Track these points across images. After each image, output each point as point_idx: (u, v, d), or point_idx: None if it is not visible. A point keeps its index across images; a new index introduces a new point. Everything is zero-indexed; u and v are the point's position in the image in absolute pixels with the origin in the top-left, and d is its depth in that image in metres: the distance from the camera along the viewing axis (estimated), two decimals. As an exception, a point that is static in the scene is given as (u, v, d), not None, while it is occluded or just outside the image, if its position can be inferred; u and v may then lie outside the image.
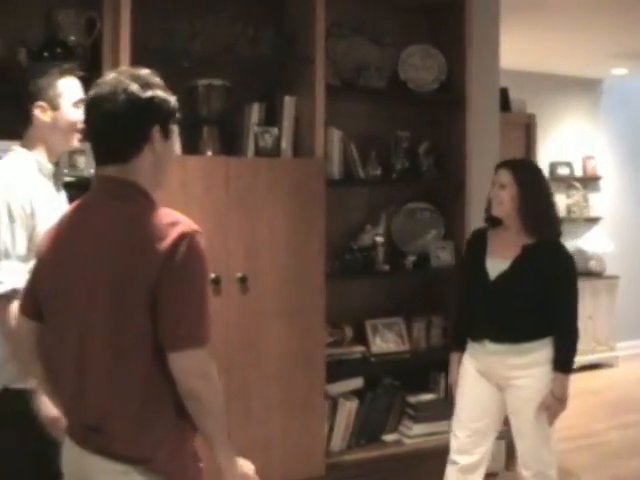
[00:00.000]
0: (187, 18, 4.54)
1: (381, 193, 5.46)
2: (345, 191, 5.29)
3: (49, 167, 3.32)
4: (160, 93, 2.43)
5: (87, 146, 4.03)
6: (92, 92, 2.42)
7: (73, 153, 4.13)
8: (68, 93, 3.30)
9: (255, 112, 4.72)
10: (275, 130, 4.70)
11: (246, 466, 2.54)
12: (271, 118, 4.77)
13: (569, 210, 9.97)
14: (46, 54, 4.09)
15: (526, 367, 4.09)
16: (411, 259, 5.28)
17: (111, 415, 2.32)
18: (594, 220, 10.15)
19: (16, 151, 3.31)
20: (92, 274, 2.34)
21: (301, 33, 4.77)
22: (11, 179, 3.15)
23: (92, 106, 2.41)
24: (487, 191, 5.51)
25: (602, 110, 10.28)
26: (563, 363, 4.09)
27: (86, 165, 4.13)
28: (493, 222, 4.30)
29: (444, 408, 5.19)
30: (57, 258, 2.46)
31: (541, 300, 4.08)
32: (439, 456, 5.13)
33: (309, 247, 4.61)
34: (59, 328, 2.45)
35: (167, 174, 2.56)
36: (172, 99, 2.48)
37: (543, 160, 9.25)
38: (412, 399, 5.26)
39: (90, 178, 4.08)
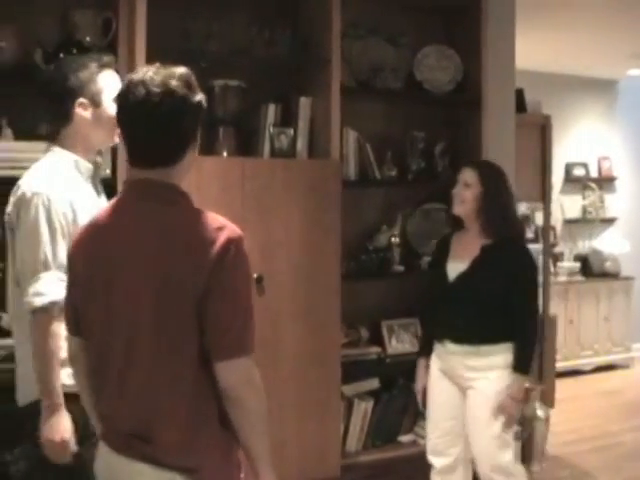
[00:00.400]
0: (203, 18, 4.55)
1: (397, 194, 5.46)
2: (361, 192, 5.29)
3: (89, 167, 3.18)
4: (200, 94, 2.37)
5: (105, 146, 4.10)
6: (134, 93, 2.27)
7: (89, 154, 4.13)
8: (108, 88, 3.09)
9: (271, 113, 4.73)
10: (291, 131, 4.70)
11: None
12: (287, 119, 4.77)
13: (585, 211, 9.95)
14: (62, 55, 4.09)
15: (484, 370, 4.07)
16: (427, 260, 5.27)
17: (158, 424, 2.28)
18: (610, 221, 10.12)
19: (54, 152, 3.14)
20: (136, 281, 2.27)
21: (317, 34, 4.77)
22: (51, 184, 2.98)
23: (137, 109, 2.29)
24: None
25: (618, 111, 10.25)
26: (521, 364, 4.06)
27: (102, 165, 4.12)
28: (456, 225, 4.31)
29: (460, 409, 5.20)
30: (97, 268, 2.36)
31: (501, 301, 4.06)
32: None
33: (325, 248, 4.60)
34: (100, 337, 2.38)
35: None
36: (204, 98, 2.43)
37: (559, 161, 9.24)
38: (427, 400, 5.25)
39: (106, 179, 4.09)
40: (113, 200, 2.45)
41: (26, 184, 3.00)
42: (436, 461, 4.26)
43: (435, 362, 4.31)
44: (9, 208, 3.06)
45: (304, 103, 4.77)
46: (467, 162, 4.43)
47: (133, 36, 4.10)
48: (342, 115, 4.69)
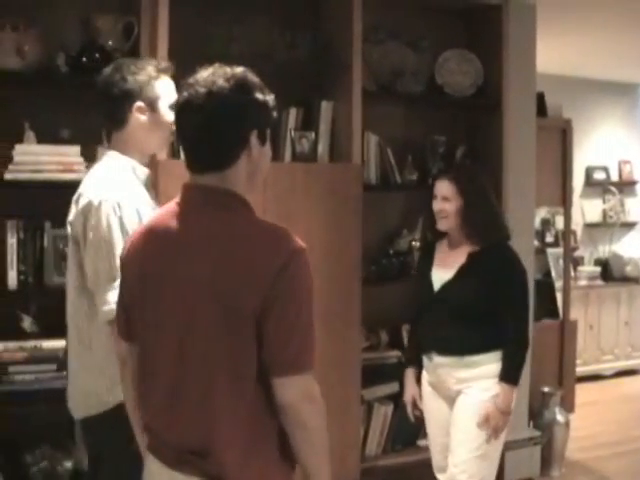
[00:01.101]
0: (224, 23, 4.56)
1: (417, 198, 5.43)
2: (382, 196, 5.28)
3: (146, 171, 3.11)
4: (258, 95, 2.26)
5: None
6: (184, 94, 2.23)
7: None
8: (166, 94, 3.05)
9: (292, 117, 4.74)
10: (312, 135, 4.70)
11: None
12: (308, 123, 4.78)
13: (605, 215, 9.91)
14: (84, 59, 4.12)
15: (473, 380, 3.95)
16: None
17: (216, 442, 2.18)
18: (631, 225, 10.08)
19: (111, 156, 3.07)
20: (193, 291, 2.18)
21: (338, 38, 4.78)
22: (118, 190, 2.90)
23: (185, 110, 2.24)
24: (524, 197, 5.50)
25: (638, 114, 10.20)
26: (509, 374, 3.92)
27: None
28: (438, 233, 4.18)
29: (480, 414, 5.18)
30: (150, 273, 2.31)
31: (489, 309, 3.95)
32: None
33: (346, 252, 4.61)
34: (151, 347, 2.32)
35: (261, 180, 2.40)
36: (270, 99, 2.32)
37: (579, 165, 9.20)
38: (447, 404, 5.23)
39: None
40: (168, 205, 2.37)
41: (91, 192, 2.92)
42: (442, 477, 4.16)
43: (424, 376, 4.21)
44: (71, 217, 2.99)
45: (325, 107, 4.78)
46: (441, 173, 4.33)
47: (155, 40, 4.11)
48: (363, 119, 4.70)
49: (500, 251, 4.04)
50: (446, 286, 4.03)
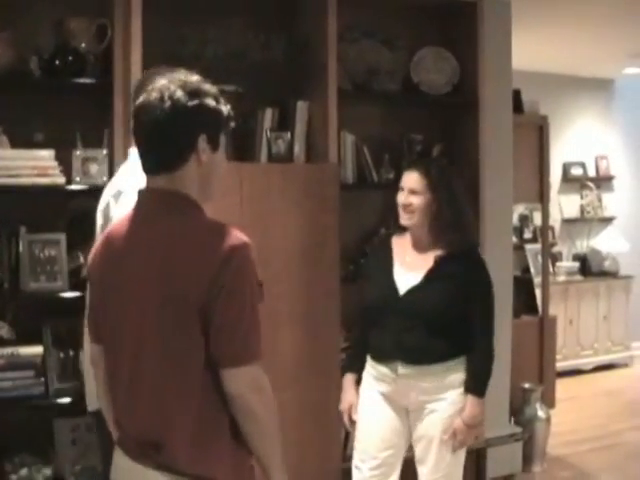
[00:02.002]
0: (198, 24, 4.54)
1: (395, 196, 5.41)
2: (359, 195, 5.27)
3: None
4: (209, 101, 2.34)
5: (100, 154, 4.11)
6: (140, 99, 2.34)
7: (86, 160, 4.13)
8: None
9: (268, 117, 4.72)
10: (288, 135, 4.69)
11: None
12: (284, 123, 4.76)
13: (583, 210, 9.94)
14: (57, 62, 4.09)
15: (441, 390, 3.75)
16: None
17: (168, 432, 2.27)
18: (608, 220, 10.11)
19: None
20: (143, 291, 2.29)
21: (313, 38, 4.76)
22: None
23: (139, 113, 2.34)
24: (502, 194, 5.50)
25: (615, 110, 10.25)
26: (475, 385, 3.74)
27: (99, 173, 4.12)
28: (397, 227, 3.95)
29: (460, 411, 5.18)
30: (110, 276, 2.41)
31: (456, 317, 3.75)
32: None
33: (323, 251, 4.59)
34: (113, 347, 2.42)
35: (217, 187, 2.48)
36: (224, 108, 2.40)
37: (556, 161, 9.24)
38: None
39: (103, 186, 4.09)
40: (132, 208, 2.46)
41: (130, 188, 2.98)
42: None
43: (373, 385, 3.92)
44: (112, 213, 3.15)
45: (301, 107, 4.76)
46: (411, 164, 4.05)
47: (128, 42, 4.08)
48: (339, 118, 4.68)
49: (470, 257, 3.85)
50: (413, 291, 3.78)
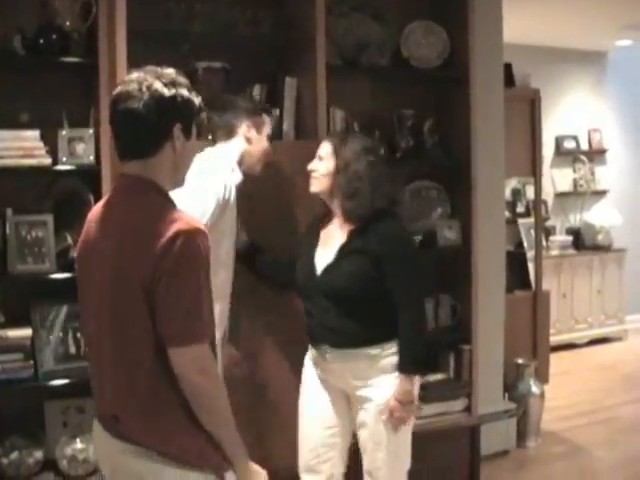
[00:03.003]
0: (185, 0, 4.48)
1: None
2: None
3: None
4: (184, 92, 2.48)
5: (86, 133, 4.06)
6: (118, 89, 2.46)
7: (72, 140, 4.09)
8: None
9: (256, 94, 4.66)
10: (277, 112, 4.63)
11: (259, 472, 2.59)
12: (272, 99, 4.71)
13: (576, 184, 9.94)
14: (41, 41, 4.03)
15: (371, 376, 3.67)
16: (417, 238, 5.21)
17: (122, 407, 2.43)
18: (601, 193, 10.12)
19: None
20: (101, 272, 2.44)
21: (301, 12, 4.70)
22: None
23: (116, 102, 2.44)
24: (494, 168, 5.47)
25: (607, 82, 10.22)
26: (404, 361, 3.64)
27: (85, 153, 4.08)
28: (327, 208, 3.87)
29: (454, 388, 5.18)
30: (83, 257, 2.60)
31: (378, 295, 3.63)
32: (450, 436, 5.14)
33: (314, 229, 4.55)
34: (86, 327, 2.62)
35: (185, 173, 2.61)
36: (196, 99, 2.54)
37: (549, 134, 9.20)
38: (422, 379, 5.19)
39: (90, 166, 4.06)
40: (110, 192, 2.64)
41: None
42: (309, 478, 3.86)
43: (311, 369, 3.91)
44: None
45: (289, 83, 4.70)
46: (329, 134, 4.20)
47: (113, 19, 4.01)
48: (328, 94, 4.62)
49: (380, 226, 3.67)
50: (327, 270, 3.71)
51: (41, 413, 4.25)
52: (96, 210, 2.61)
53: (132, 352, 2.39)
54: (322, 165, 3.79)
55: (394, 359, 3.67)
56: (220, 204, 3.58)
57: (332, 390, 3.84)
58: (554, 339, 8.26)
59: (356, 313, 3.65)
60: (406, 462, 3.80)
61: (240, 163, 3.87)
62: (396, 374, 3.66)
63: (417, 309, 3.71)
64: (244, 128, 3.90)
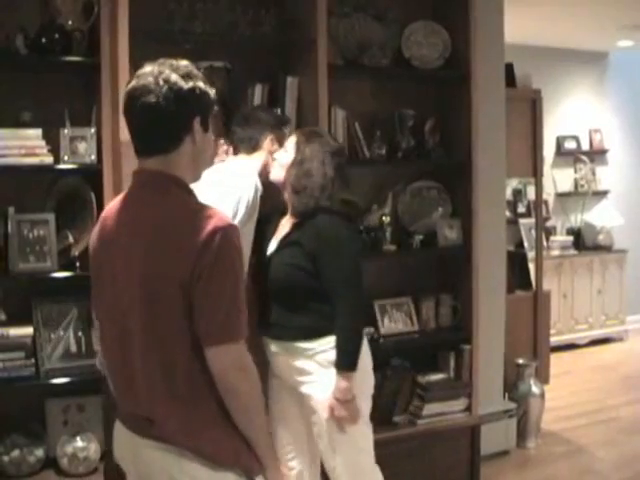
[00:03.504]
0: (186, 0, 4.48)
1: (387, 172, 5.41)
2: (350, 171, 5.20)
3: None
4: (201, 84, 2.44)
5: (88, 132, 4.06)
6: (133, 83, 2.41)
7: (74, 139, 4.09)
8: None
9: (257, 94, 4.66)
10: (278, 111, 4.64)
11: (287, 477, 2.66)
12: (274, 99, 4.71)
13: (577, 184, 9.94)
14: (44, 40, 4.03)
15: (311, 372, 3.65)
16: (418, 238, 5.23)
17: (157, 408, 2.38)
18: (602, 194, 10.11)
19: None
20: (129, 271, 2.38)
21: (302, 12, 4.70)
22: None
23: (133, 97, 2.39)
24: (495, 168, 5.46)
25: (608, 83, 10.21)
26: (340, 360, 3.58)
27: (87, 152, 4.08)
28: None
29: (454, 388, 5.18)
30: (102, 256, 2.53)
31: (314, 289, 3.62)
32: (450, 436, 5.14)
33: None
34: (107, 327, 2.55)
35: (205, 167, 2.60)
36: (211, 91, 2.50)
37: (550, 134, 9.20)
38: (422, 379, 5.20)
39: (91, 165, 4.06)
40: (127, 189, 2.56)
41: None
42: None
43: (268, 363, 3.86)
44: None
45: (291, 83, 4.71)
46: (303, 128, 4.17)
47: (115, 19, 4.02)
48: (330, 94, 4.63)
49: (318, 222, 3.67)
50: (269, 260, 3.75)
51: (42, 411, 4.25)
52: (113, 207, 2.55)
53: (168, 352, 2.35)
54: (284, 156, 3.82)
55: (332, 355, 3.61)
56: (249, 208, 3.62)
57: (283, 388, 3.81)
58: (554, 339, 8.27)
59: (292, 305, 3.66)
60: (367, 464, 3.75)
61: (260, 175, 3.89)
62: (333, 370, 3.60)
63: (351, 306, 3.62)
64: (268, 142, 3.96)
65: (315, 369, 3.64)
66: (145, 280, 2.33)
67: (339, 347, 3.60)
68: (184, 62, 2.45)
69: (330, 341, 3.62)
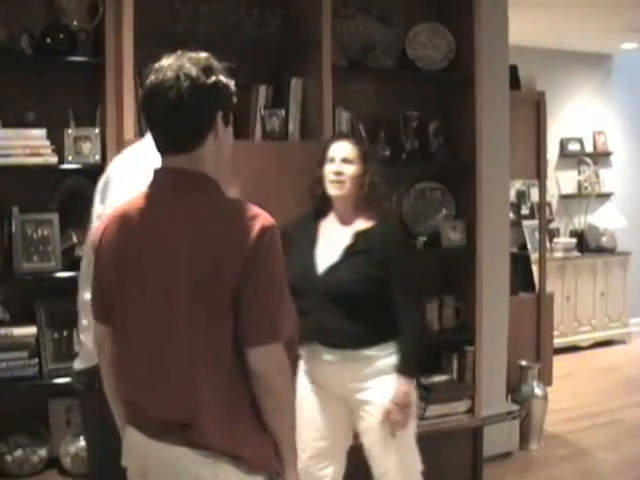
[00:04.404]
0: (191, 0, 4.48)
1: (390, 174, 5.34)
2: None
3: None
4: (222, 78, 2.35)
5: (92, 132, 4.06)
6: (152, 78, 2.29)
7: (78, 139, 4.10)
8: None
9: (262, 94, 4.67)
10: (282, 112, 4.65)
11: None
12: (278, 100, 4.72)
13: (580, 186, 9.93)
14: (49, 40, 4.04)
15: (370, 377, 3.65)
16: (422, 240, 5.23)
17: (198, 411, 2.28)
18: (606, 196, 10.10)
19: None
20: (172, 275, 2.28)
21: (307, 13, 4.71)
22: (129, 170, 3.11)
23: (154, 93, 2.29)
24: (498, 170, 5.45)
25: (612, 85, 10.21)
26: (404, 366, 3.63)
27: (91, 152, 4.09)
28: (321, 206, 3.88)
29: (457, 389, 5.18)
30: (126, 256, 2.38)
31: (378, 297, 3.63)
32: (453, 437, 5.13)
33: (319, 230, 4.55)
34: (126, 329, 2.41)
35: (227, 162, 2.48)
36: (231, 83, 2.41)
37: (554, 136, 9.18)
38: (425, 380, 5.18)
39: (95, 165, 4.05)
40: (148, 188, 2.43)
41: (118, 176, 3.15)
42: None
43: (306, 372, 3.86)
44: None
45: (295, 84, 4.72)
46: (339, 135, 4.02)
47: (120, 19, 4.03)
48: (334, 95, 4.64)
49: (388, 231, 3.76)
50: (331, 270, 3.69)
51: (45, 411, 4.26)
52: (136, 206, 2.39)
53: (213, 356, 2.27)
54: (349, 168, 3.73)
55: (392, 360, 3.66)
56: None
57: (327, 395, 3.80)
58: (557, 341, 8.26)
59: (357, 314, 3.63)
60: (416, 463, 3.77)
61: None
62: (394, 376, 3.64)
63: (417, 312, 3.75)
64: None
65: (375, 375, 3.66)
66: (192, 280, 2.25)
67: (403, 353, 3.64)
68: (204, 54, 2.35)
69: (391, 347, 3.66)
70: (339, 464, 3.86)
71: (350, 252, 3.69)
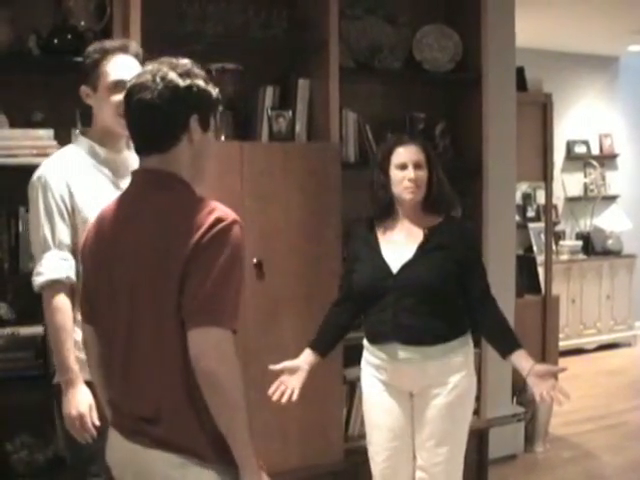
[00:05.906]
0: (198, 1, 4.49)
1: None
2: (360, 174, 5.19)
3: (101, 153, 3.26)
4: (200, 83, 2.40)
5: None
6: (133, 80, 2.40)
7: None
8: (106, 75, 3.20)
9: (269, 96, 4.68)
10: (289, 113, 4.65)
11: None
12: (285, 101, 4.73)
13: (586, 189, 9.93)
14: (56, 41, 4.05)
15: (445, 374, 3.65)
16: (428, 241, 5.22)
17: (165, 404, 2.32)
18: (612, 198, 10.10)
19: (74, 136, 3.35)
20: (134, 269, 2.34)
21: (314, 15, 4.72)
22: (50, 168, 3.19)
23: (132, 94, 2.38)
24: (505, 172, 5.44)
25: (619, 87, 10.21)
26: (514, 339, 3.60)
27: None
28: (384, 211, 3.80)
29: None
30: (101, 256, 2.48)
31: (453, 292, 3.65)
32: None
33: (325, 231, 4.57)
34: (106, 327, 2.48)
35: (207, 168, 2.53)
36: (213, 91, 2.46)
37: (560, 139, 9.19)
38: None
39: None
40: (125, 189, 2.55)
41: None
42: None
43: (373, 374, 3.81)
44: None
45: (302, 85, 4.72)
46: (402, 139, 3.83)
47: (128, 20, 4.04)
48: (341, 96, 4.65)
49: (460, 226, 3.85)
50: (407, 266, 3.65)
51: (51, 411, 4.25)
52: (112, 206, 2.50)
53: (170, 349, 2.28)
54: (422, 172, 3.71)
55: (462, 357, 3.69)
56: None
57: (397, 394, 3.76)
58: (563, 344, 8.25)
59: (433, 309, 3.62)
60: (462, 461, 3.78)
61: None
62: (463, 373, 3.66)
63: (496, 301, 3.71)
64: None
65: (449, 372, 3.65)
66: (150, 280, 2.31)
67: (509, 331, 3.65)
68: (184, 60, 2.43)
69: (463, 342, 3.70)
70: (409, 461, 3.80)
71: (425, 249, 3.67)
